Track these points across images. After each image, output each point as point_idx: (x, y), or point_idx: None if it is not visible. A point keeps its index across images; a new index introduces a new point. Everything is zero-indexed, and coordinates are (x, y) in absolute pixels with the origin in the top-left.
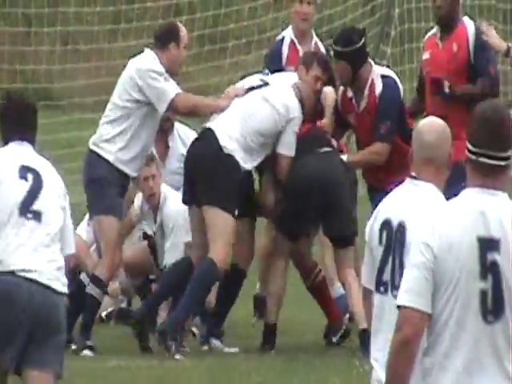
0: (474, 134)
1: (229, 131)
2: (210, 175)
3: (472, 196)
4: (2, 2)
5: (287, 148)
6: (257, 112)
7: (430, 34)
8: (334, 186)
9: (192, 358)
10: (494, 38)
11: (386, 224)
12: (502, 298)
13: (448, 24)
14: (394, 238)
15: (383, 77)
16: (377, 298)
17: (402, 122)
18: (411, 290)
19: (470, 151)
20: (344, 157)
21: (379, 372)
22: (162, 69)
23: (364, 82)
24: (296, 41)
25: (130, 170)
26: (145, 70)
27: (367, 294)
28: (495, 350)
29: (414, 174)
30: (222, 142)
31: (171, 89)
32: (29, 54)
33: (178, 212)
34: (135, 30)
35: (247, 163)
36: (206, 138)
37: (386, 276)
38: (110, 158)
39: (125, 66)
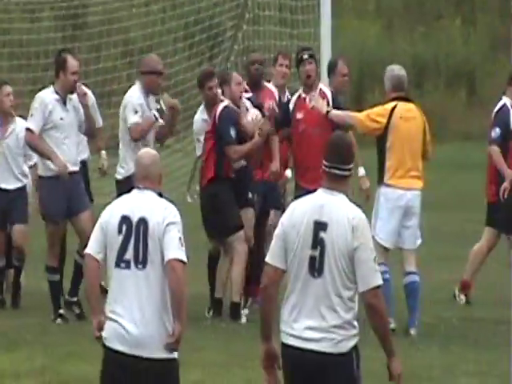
0: (328, 153)
1: None
2: None
3: (319, 193)
4: None
5: None
6: None
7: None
8: None
9: None
10: (319, 104)
11: (125, 219)
12: (324, 262)
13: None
14: (135, 229)
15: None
16: (117, 271)
17: None
18: (271, 252)
19: (324, 165)
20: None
21: (117, 324)
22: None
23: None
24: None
25: None
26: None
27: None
28: (317, 297)
29: (140, 185)
30: None
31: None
32: None
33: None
34: None
35: None
36: None
37: (128, 256)
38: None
39: None
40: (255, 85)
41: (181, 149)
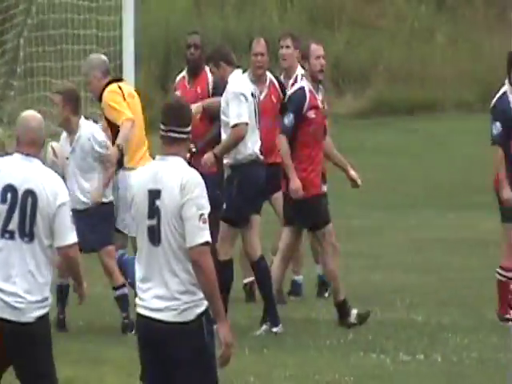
0: (164, 117)
1: None
2: None
3: (156, 161)
4: None
5: None
6: None
7: (180, 77)
8: None
9: None
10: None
11: (9, 188)
12: (161, 230)
13: (196, 71)
14: (21, 200)
15: None
16: (2, 242)
17: None
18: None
19: (162, 129)
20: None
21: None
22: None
23: None
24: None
25: None
26: None
27: None
28: (159, 265)
29: (25, 151)
30: None
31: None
32: None
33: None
34: None
35: None
36: None
37: (13, 227)
38: None
39: None
40: (193, 70)
41: None
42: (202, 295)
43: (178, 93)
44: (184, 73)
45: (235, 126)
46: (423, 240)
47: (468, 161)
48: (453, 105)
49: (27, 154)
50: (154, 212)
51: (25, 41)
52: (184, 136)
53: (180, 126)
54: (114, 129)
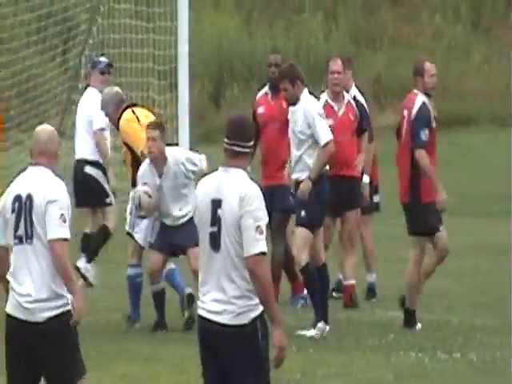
0: (228, 131)
1: None
2: None
3: (219, 172)
4: None
5: None
6: None
7: (262, 93)
8: None
9: None
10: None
11: (18, 197)
12: (221, 237)
13: (279, 88)
14: (24, 206)
15: None
16: (14, 248)
17: None
18: None
19: (226, 143)
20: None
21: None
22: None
23: None
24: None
25: None
26: None
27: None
28: (218, 270)
29: (34, 162)
30: None
31: None
32: None
33: None
34: None
35: None
36: None
37: (20, 232)
38: None
39: None
40: (275, 87)
41: None
42: (257, 300)
43: (260, 109)
44: (266, 89)
45: (327, 144)
46: (458, 246)
47: (500, 171)
48: (487, 119)
49: (35, 164)
50: (215, 220)
51: (86, 59)
52: (247, 150)
53: (244, 141)
54: (132, 152)
